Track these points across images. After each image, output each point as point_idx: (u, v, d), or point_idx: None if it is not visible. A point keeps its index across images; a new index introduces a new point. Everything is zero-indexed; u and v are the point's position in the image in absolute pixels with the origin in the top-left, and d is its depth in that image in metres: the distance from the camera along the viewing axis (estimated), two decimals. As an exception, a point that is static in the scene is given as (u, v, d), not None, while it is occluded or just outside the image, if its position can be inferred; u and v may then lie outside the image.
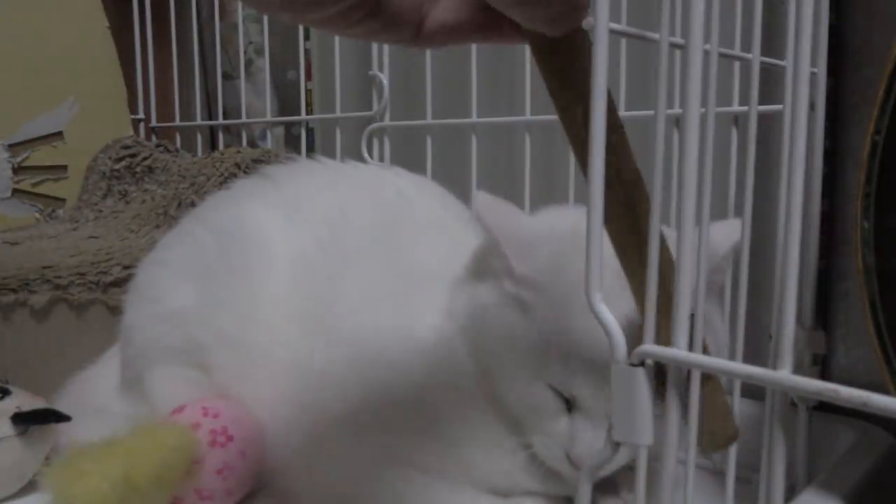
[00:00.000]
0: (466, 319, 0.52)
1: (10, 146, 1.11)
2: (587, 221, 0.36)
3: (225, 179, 0.94)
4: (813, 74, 0.48)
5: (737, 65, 0.63)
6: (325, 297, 0.59)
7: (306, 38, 1.14)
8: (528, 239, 0.50)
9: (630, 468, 0.55)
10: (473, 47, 0.84)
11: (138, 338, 0.66)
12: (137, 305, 0.67)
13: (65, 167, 1.14)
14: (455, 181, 0.73)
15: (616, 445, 0.36)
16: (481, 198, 0.51)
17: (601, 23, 0.34)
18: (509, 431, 0.51)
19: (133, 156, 1.07)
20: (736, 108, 0.64)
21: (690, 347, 0.34)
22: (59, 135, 1.14)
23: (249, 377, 0.60)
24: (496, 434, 0.51)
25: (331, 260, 0.61)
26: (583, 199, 0.38)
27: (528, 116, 0.80)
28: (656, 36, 0.36)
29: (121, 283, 0.78)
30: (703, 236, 0.36)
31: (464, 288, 0.53)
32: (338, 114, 1.01)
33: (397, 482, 0.52)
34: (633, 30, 0.43)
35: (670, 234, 0.36)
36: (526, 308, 0.48)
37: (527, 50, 0.80)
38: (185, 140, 1.24)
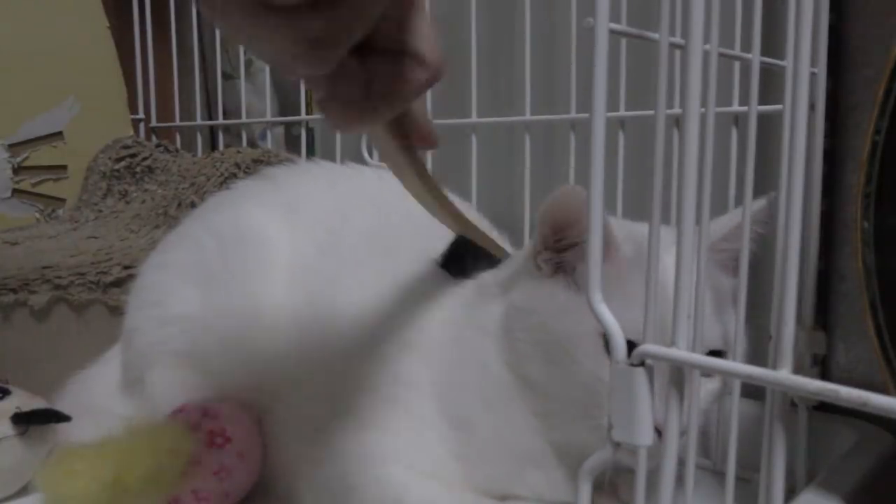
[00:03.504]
0: (505, 329, 0.51)
1: (10, 146, 1.11)
2: (587, 221, 0.36)
3: (225, 180, 0.93)
4: (813, 74, 0.48)
5: (737, 65, 0.63)
6: (324, 300, 0.59)
7: (306, 38, 1.13)
8: None
9: (630, 470, 0.55)
10: (473, 47, 0.84)
11: (140, 341, 0.66)
12: (139, 308, 0.67)
13: (65, 167, 1.14)
14: (455, 181, 0.73)
15: (616, 445, 0.36)
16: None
17: (601, 23, 0.34)
18: (544, 439, 0.51)
19: (133, 156, 1.07)
20: (736, 108, 0.64)
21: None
22: (59, 135, 1.14)
23: (250, 380, 0.60)
24: (529, 446, 0.51)
25: (330, 263, 0.61)
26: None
27: (528, 116, 0.80)
28: (656, 36, 0.36)
29: (121, 283, 0.78)
30: (703, 236, 0.36)
31: (492, 301, 0.53)
32: (338, 114, 1.01)
33: (398, 484, 0.52)
34: (633, 30, 0.43)
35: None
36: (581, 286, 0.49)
37: (527, 50, 0.80)
38: (185, 140, 1.24)
